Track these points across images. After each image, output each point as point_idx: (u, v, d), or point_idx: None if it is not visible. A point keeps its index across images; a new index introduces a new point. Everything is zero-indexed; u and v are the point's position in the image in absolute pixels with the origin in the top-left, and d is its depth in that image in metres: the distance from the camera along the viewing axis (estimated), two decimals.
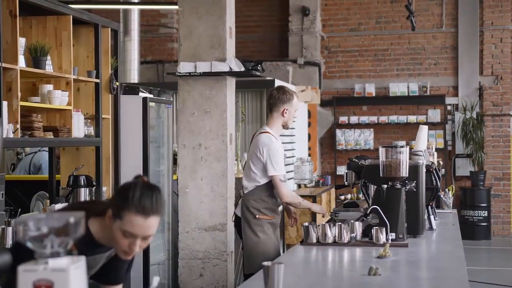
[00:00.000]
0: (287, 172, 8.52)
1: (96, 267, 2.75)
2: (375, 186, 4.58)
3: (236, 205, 5.27)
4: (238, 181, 7.28)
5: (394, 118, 12.64)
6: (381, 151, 4.45)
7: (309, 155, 12.02)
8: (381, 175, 4.44)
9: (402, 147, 4.45)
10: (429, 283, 3.27)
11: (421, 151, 5.12)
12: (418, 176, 4.60)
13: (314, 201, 9.00)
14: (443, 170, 12.37)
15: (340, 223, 4.29)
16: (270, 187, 5.04)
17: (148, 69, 13.14)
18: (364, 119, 12.75)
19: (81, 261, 1.83)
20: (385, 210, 4.31)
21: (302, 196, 8.69)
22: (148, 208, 2.47)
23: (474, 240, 11.97)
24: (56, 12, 5.08)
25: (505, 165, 12.52)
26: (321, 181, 10.63)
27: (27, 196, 6.03)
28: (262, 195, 5.04)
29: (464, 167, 12.47)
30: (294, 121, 5.32)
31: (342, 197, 11.70)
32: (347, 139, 12.81)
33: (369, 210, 4.41)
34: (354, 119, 12.78)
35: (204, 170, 5.69)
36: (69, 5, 5.19)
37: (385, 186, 4.41)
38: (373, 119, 12.70)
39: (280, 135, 5.25)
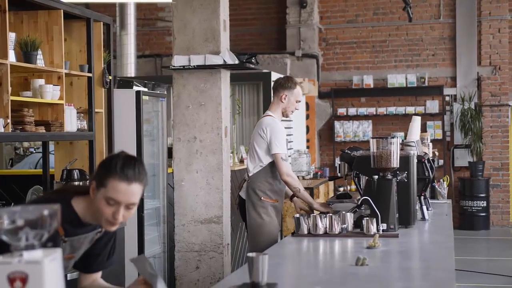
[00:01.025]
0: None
1: (79, 250, 2.77)
2: (367, 177, 4.59)
3: (240, 187, 5.37)
4: (234, 173, 7.30)
5: (392, 109, 12.64)
6: (372, 142, 4.46)
7: (308, 147, 12.04)
8: (372, 166, 4.45)
9: (392, 138, 4.45)
10: (414, 273, 3.28)
11: (413, 142, 5.13)
12: (409, 167, 4.60)
13: (312, 193, 9.03)
14: (441, 161, 12.39)
15: (331, 214, 4.31)
16: (274, 168, 5.16)
17: (146, 63, 13.15)
18: (363, 110, 12.75)
19: (57, 253, 1.84)
20: (376, 201, 4.32)
21: None
22: (131, 176, 2.55)
23: (473, 231, 12.00)
24: (47, 7, 5.08)
25: (504, 155, 12.52)
26: (319, 173, 10.64)
27: (24, 190, 6.05)
28: (267, 177, 5.17)
29: (462, 158, 12.47)
30: (293, 112, 5.39)
31: (341, 189, 11.70)
32: (345, 131, 12.81)
33: (360, 201, 4.42)
34: (352, 111, 12.78)
35: (199, 163, 5.69)
36: (61, 0, 5.19)
37: (376, 177, 4.42)
38: (372, 110, 12.70)
39: None
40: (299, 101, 5.32)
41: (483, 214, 12.15)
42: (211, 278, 5.75)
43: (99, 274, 2.96)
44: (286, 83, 5.28)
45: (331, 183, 10.86)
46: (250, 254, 2.78)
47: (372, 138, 4.50)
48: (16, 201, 6.01)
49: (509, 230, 12.35)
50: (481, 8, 12.53)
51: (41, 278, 1.77)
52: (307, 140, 12.21)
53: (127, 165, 2.57)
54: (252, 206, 5.21)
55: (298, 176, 10.09)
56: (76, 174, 5.35)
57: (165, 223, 6.71)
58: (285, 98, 5.25)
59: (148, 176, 2.69)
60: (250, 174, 5.24)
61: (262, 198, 5.17)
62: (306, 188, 8.97)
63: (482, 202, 12.12)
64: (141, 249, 6.17)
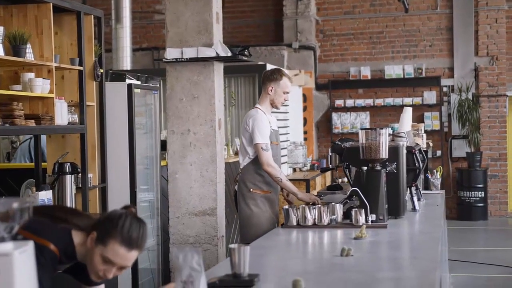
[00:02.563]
0: (281, 156, 8.58)
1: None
2: (356, 168, 4.60)
3: (235, 181, 5.43)
4: (228, 165, 7.31)
5: (390, 100, 12.63)
6: (361, 133, 4.47)
7: (305, 139, 12.04)
8: (361, 157, 4.46)
9: (381, 129, 4.46)
10: (398, 262, 3.29)
11: (403, 132, 5.13)
12: (398, 158, 4.61)
13: (308, 184, 9.04)
14: (439, 152, 12.40)
15: (318, 205, 4.32)
16: None
17: (143, 56, 13.15)
18: (360, 102, 12.75)
19: (28, 245, 1.85)
20: (365, 192, 4.34)
21: (295, 179, 8.77)
22: (134, 241, 2.55)
23: (471, 221, 12.01)
24: (36, 0, 5.08)
25: (502, 146, 12.51)
26: (316, 164, 10.65)
27: (19, 184, 6.06)
28: (257, 169, 5.20)
29: (460, 148, 12.46)
30: (284, 104, 5.43)
31: (339, 180, 11.70)
32: (343, 122, 12.81)
33: (349, 192, 4.43)
34: (350, 102, 12.78)
35: (193, 155, 5.70)
36: None
37: (365, 168, 4.43)
38: (369, 102, 12.70)
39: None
40: (287, 92, 5.32)
41: (481, 204, 12.16)
42: (205, 270, 5.77)
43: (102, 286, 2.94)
44: (272, 75, 5.30)
45: (328, 175, 10.87)
46: (231, 246, 2.79)
47: (361, 129, 4.51)
48: (11, 194, 6.03)
49: (507, 220, 12.36)
50: None
51: (11, 270, 1.78)
52: (305, 132, 12.21)
53: (133, 228, 2.56)
54: (242, 198, 5.25)
55: (295, 169, 10.14)
56: (67, 167, 5.36)
57: (159, 215, 6.73)
58: (271, 90, 5.27)
59: (147, 241, 2.67)
60: (241, 167, 5.30)
61: (251, 189, 5.20)
62: (302, 180, 9.05)
63: (480, 192, 12.12)
64: None
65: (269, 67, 9.98)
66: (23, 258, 1.82)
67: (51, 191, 5.19)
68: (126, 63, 10.67)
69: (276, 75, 5.30)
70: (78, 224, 2.67)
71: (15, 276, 1.79)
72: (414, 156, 5.04)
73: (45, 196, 5.08)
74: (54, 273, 2.62)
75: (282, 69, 5.58)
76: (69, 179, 5.36)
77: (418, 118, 12.22)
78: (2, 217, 1.81)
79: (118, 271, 2.60)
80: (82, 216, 2.74)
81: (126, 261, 2.57)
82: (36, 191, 5.21)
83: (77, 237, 2.65)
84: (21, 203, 1.82)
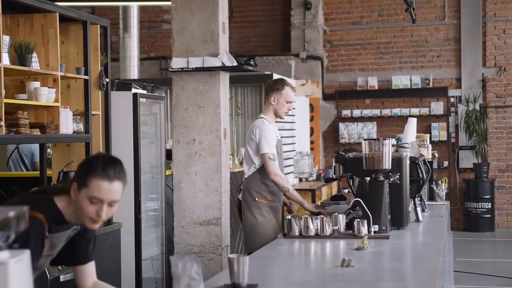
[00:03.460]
0: (286, 166, 8.60)
1: (57, 248, 2.82)
2: (359, 179, 4.59)
3: (239, 190, 5.46)
4: (233, 175, 7.32)
5: (397, 111, 12.62)
6: (364, 144, 4.47)
7: (312, 149, 12.04)
8: (364, 168, 4.46)
9: (385, 139, 4.46)
10: (398, 274, 3.29)
11: (407, 143, 5.13)
12: (401, 169, 4.60)
13: (314, 194, 9.03)
14: (446, 163, 12.36)
15: (322, 215, 4.32)
16: None
17: (151, 65, 13.20)
18: (367, 112, 12.74)
19: (24, 254, 1.86)
20: (368, 203, 4.33)
21: (301, 189, 8.77)
22: (112, 174, 2.66)
23: (478, 232, 11.96)
24: (43, 10, 5.12)
25: (509, 157, 12.47)
26: (322, 174, 10.64)
27: (23, 192, 6.08)
28: (262, 178, 5.24)
29: (467, 159, 12.43)
30: (288, 113, 5.44)
31: (346, 190, 11.68)
32: (350, 132, 12.80)
33: (351, 203, 4.43)
34: (357, 113, 12.77)
35: (198, 165, 5.71)
36: (56, 3, 5.23)
37: (368, 178, 4.43)
38: (376, 112, 12.69)
39: (281, 129, 5.45)
40: (290, 102, 5.35)
41: (488, 215, 12.11)
42: (208, 280, 5.77)
43: (95, 275, 3.01)
44: (274, 85, 5.35)
45: (334, 185, 10.85)
46: (230, 256, 2.80)
47: (365, 139, 4.51)
48: None
49: None
50: (486, 9, 12.49)
51: (6, 279, 1.78)
52: (312, 142, 12.21)
53: (107, 165, 2.67)
54: (247, 207, 5.28)
55: (301, 179, 10.13)
56: (72, 176, 5.38)
57: (163, 224, 6.74)
58: (274, 100, 5.32)
59: (127, 175, 2.76)
60: (245, 176, 5.33)
61: (256, 199, 5.23)
62: (308, 190, 9.04)
63: (487, 203, 12.08)
64: (138, 251, 6.19)
65: (276, 77, 9.99)
66: (18, 267, 1.83)
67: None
68: (133, 72, 10.72)
69: (278, 85, 5.34)
70: (60, 190, 2.78)
71: (10, 285, 1.79)
72: (418, 167, 5.03)
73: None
74: (43, 240, 2.68)
75: (285, 78, 5.60)
76: None
77: (425, 129, 12.21)
78: None
79: (109, 209, 2.68)
80: (62, 186, 2.86)
81: (112, 194, 2.65)
82: None
83: (60, 201, 2.74)
84: (17, 211, 1.83)
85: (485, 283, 8.25)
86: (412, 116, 12.25)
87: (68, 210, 2.74)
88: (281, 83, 5.37)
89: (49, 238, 2.73)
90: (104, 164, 2.67)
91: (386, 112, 12.65)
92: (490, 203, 12.09)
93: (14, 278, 1.80)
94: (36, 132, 4.89)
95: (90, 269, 3.00)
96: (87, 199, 2.65)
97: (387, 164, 4.42)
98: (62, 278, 4.36)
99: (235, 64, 5.68)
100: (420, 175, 5.04)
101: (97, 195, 2.64)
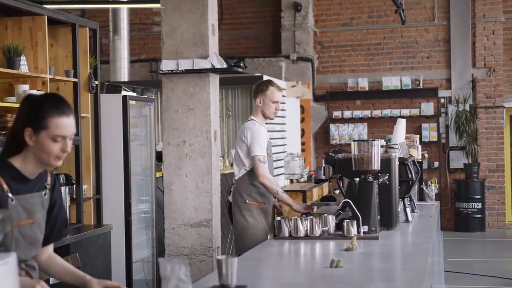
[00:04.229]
0: (276, 168, 8.61)
1: (34, 214, 2.79)
2: (348, 180, 4.61)
3: (229, 192, 5.49)
4: (224, 177, 7.32)
5: (387, 112, 12.66)
6: (353, 144, 4.48)
7: (303, 150, 12.06)
8: (353, 169, 4.47)
9: (373, 140, 4.47)
10: (386, 274, 3.30)
11: (397, 144, 5.15)
12: (390, 169, 4.62)
13: (304, 195, 9.04)
14: (436, 163, 12.40)
15: (311, 217, 4.33)
16: None
17: (142, 67, 13.18)
18: (358, 113, 12.77)
19: (10, 257, 1.86)
20: (357, 203, 4.34)
21: (292, 191, 8.78)
22: (67, 110, 2.72)
23: (468, 232, 12.01)
24: (31, 13, 5.11)
25: (499, 157, 12.52)
26: (313, 176, 10.66)
27: None
28: (253, 180, 5.26)
29: (458, 160, 12.47)
30: (276, 113, 5.47)
31: (337, 192, 11.69)
32: (341, 133, 12.83)
33: (341, 204, 4.44)
34: (347, 114, 12.80)
35: (188, 166, 5.71)
36: (45, 5, 5.22)
37: (357, 179, 4.44)
38: (367, 113, 12.72)
39: (271, 131, 5.45)
40: (276, 102, 5.38)
41: (479, 215, 12.16)
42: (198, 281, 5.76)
43: (52, 248, 3.00)
44: (258, 87, 5.42)
45: (325, 186, 10.86)
46: (219, 257, 2.80)
47: (354, 140, 4.52)
48: None
49: (504, 231, 12.35)
50: (475, 10, 12.55)
51: None
52: (303, 143, 12.23)
53: (59, 102, 2.72)
54: (237, 209, 5.31)
55: (292, 180, 10.15)
56: (62, 178, 5.37)
57: (154, 226, 6.73)
58: (260, 102, 5.38)
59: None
60: (236, 178, 5.36)
61: (247, 201, 5.27)
62: (298, 191, 9.06)
63: (478, 203, 12.12)
64: (128, 253, 6.19)
65: (266, 78, 10.01)
66: (4, 270, 1.83)
67: None
68: (123, 74, 10.71)
69: (262, 86, 5.40)
70: (10, 152, 2.74)
71: None
72: (407, 168, 5.05)
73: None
74: (5, 202, 2.65)
75: (272, 79, 5.63)
76: (63, 191, 5.37)
77: (416, 130, 12.25)
78: None
79: (70, 143, 2.74)
80: (5, 147, 2.80)
81: (71, 129, 2.72)
82: None
83: (16, 161, 2.73)
84: (3, 215, 1.83)
85: (475, 282, 8.28)
86: (402, 117, 12.32)
87: (26, 165, 2.73)
88: (265, 84, 5.42)
89: (17, 201, 2.71)
90: (55, 102, 2.70)
91: (377, 113, 12.69)
92: (480, 203, 12.13)
93: (0, 281, 1.80)
94: None
95: (51, 248, 2.99)
96: (50, 139, 2.67)
97: (376, 165, 4.44)
98: (51, 280, 4.34)
99: (224, 66, 5.69)
100: (410, 176, 5.05)
101: (60, 133, 2.67)
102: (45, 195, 2.84)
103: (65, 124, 2.68)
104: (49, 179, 2.88)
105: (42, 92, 2.77)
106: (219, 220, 5.94)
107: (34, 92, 5.00)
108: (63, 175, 5.39)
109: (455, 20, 12.58)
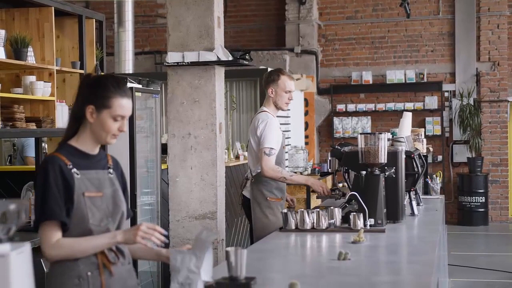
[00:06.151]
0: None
1: (104, 188, 2.88)
2: (355, 173, 4.61)
3: (242, 186, 5.34)
4: (229, 169, 7.32)
5: (391, 105, 12.65)
6: (360, 138, 4.48)
7: (307, 143, 12.06)
8: (360, 162, 4.47)
9: (380, 133, 4.47)
10: (394, 267, 3.30)
11: (403, 137, 5.15)
12: (397, 162, 4.62)
13: (308, 188, 9.02)
14: (440, 157, 12.40)
15: (318, 209, 4.33)
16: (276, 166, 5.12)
17: (146, 59, 13.18)
18: (362, 106, 12.77)
19: (25, 246, 1.87)
20: (364, 196, 4.34)
21: (295, 184, 8.75)
22: (127, 91, 2.86)
23: (471, 226, 12.02)
24: (38, 4, 5.12)
25: (503, 151, 12.52)
26: (317, 169, 10.65)
27: (20, 186, 6.08)
28: None
29: (461, 154, 12.47)
30: (289, 103, 5.35)
31: (340, 185, 11.68)
32: (344, 127, 12.82)
33: (347, 196, 4.45)
34: (351, 107, 12.80)
35: (193, 159, 5.71)
36: None
37: (364, 172, 4.44)
38: (371, 106, 12.72)
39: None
40: (289, 91, 5.25)
41: (482, 209, 12.16)
42: None
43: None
44: (269, 77, 5.28)
45: (329, 179, 10.86)
46: (228, 249, 2.81)
47: (360, 133, 4.52)
48: (12, 196, 6.04)
49: (507, 225, 12.36)
50: (480, 4, 12.52)
51: (7, 271, 1.79)
52: (306, 136, 12.23)
53: (120, 83, 2.85)
54: (258, 207, 5.16)
55: (296, 173, 10.14)
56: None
57: (159, 218, 6.74)
58: (272, 92, 5.24)
59: None
60: (253, 174, 5.19)
61: (268, 198, 5.13)
62: (303, 184, 9.02)
63: (481, 197, 12.13)
64: None
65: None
66: (20, 259, 1.83)
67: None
68: (128, 66, 10.70)
69: (274, 75, 5.27)
70: (67, 136, 2.86)
71: (12, 277, 1.80)
72: (414, 161, 5.05)
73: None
74: (66, 174, 2.76)
75: (282, 68, 5.52)
76: None
77: (420, 123, 12.24)
78: None
79: (126, 123, 2.88)
80: (66, 132, 2.91)
81: (130, 110, 2.86)
82: None
83: (75, 142, 2.85)
84: (18, 204, 1.84)
85: (479, 276, 8.29)
86: (407, 110, 12.33)
87: (82, 142, 2.84)
88: (277, 73, 5.29)
89: (82, 175, 2.81)
90: (118, 83, 2.83)
91: (381, 106, 12.68)
92: (484, 197, 12.14)
93: (16, 270, 1.81)
94: (32, 126, 4.89)
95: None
96: (111, 118, 2.79)
97: (383, 158, 4.44)
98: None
99: (230, 58, 5.68)
100: (416, 169, 5.06)
101: (122, 113, 2.80)
102: (110, 174, 2.94)
103: (126, 105, 2.82)
104: (110, 160, 2.98)
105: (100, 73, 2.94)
106: (224, 213, 5.94)
107: (41, 83, 5.01)
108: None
109: (459, 13, 12.56)
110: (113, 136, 2.85)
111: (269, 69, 9.88)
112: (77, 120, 2.84)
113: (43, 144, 6.05)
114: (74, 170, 2.79)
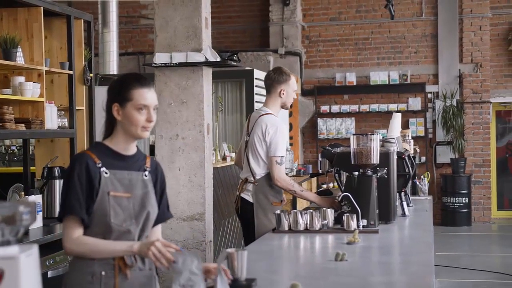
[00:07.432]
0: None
1: (133, 189, 2.88)
2: (347, 174, 4.61)
3: (240, 189, 5.07)
4: (217, 171, 7.30)
5: (375, 106, 12.70)
6: (352, 138, 4.49)
7: (291, 144, 12.07)
8: (352, 163, 4.48)
9: (372, 134, 4.48)
10: (393, 267, 3.31)
11: (394, 138, 5.16)
12: (389, 163, 4.63)
13: None
14: (423, 158, 12.47)
15: (311, 210, 4.33)
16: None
17: (129, 60, 13.13)
18: (345, 108, 12.80)
19: (33, 249, 1.84)
20: (356, 197, 4.35)
21: None
22: (147, 82, 2.89)
23: (455, 227, 12.09)
24: (27, 4, 5.07)
25: (485, 152, 12.61)
26: (302, 170, 10.68)
27: (6, 188, 6.02)
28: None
29: (444, 155, 12.55)
30: (291, 102, 5.18)
31: (325, 186, 11.75)
32: (328, 128, 12.85)
33: (340, 197, 4.45)
34: (335, 108, 12.83)
35: (181, 160, 5.70)
36: None
37: (356, 173, 4.45)
38: (354, 108, 12.75)
39: None
40: (295, 90, 5.11)
41: (465, 210, 12.25)
42: None
43: (159, 232, 3.08)
44: (281, 77, 5.00)
45: (314, 180, 10.90)
46: (229, 250, 2.79)
47: (353, 134, 4.53)
48: None
49: (490, 226, 12.45)
50: (462, 6, 12.61)
51: (17, 273, 1.77)
52: (291, 138, 12.25)
53: (138, 77, 2.90)
54: (262, 211, 4.97)
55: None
56: (57, 171, 5.32)
57: None
58: (283, 93, 5.00)
59: None
60: (257, 177, 4.96)
61: (272, 203, 4.97)
62: None
63: (464, 198, 12.21)
64: None
65: (257, 72, 10.00)
66: (28, 261, 1.81)
67: (40, 195, 5.14)
68: (113, 67, 10.64)
69: (285, 76, 5.01)
70: (103, 137, 2.94)
71: (21, 279, 1.78)
72: (404, 162, 5.07)
73: (35, 201, 5.03)
74: (92, 172, 2.80)
75: (282, 67, 5.22)
76: (58, 184, 5.32)
77: (403, 124, 12.29)
78: (7, 220, 1.80)
79: (154, 114, 2.87)
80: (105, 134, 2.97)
81: (154, 99, 2.88)
82: (25, 195, 5.16)
83: (109, 142, 2.89)
84: (27, 206, 1.81)
85: (464, 276, 8.34)
86: (391, 112, 12.36)
87: (116, 141, 2.88)
88: (286, 73, 5.03)
89: (111, 175, 2.83)
90: (136, 77, 2.88)
91: (365, 107, 12.72)
92: (467, 198, 12.22)
93: (25, 272, 1.79)
94: (22, 127, 4.84)
95: (158, 229, 3.07)
96: (135, 110, 2.82)
97: (375, 159, 4.45)
98: (50, 274, 4.32)
99: (218, 59, 5.68)
100: (407, 170, 5.08)
101: (144, 102, 2.82)
102: (145, 176, 2.92)
103: (147, 94, 2.84)
104: (148, 162, 2.98)
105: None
106: (212, 214, 5.93)
107: (30, 84, 4.97)
108: (57, 168, 5.34)
109: (442, 15, 12.64)
110: (143, 128, 2.86)
111: (255, 71, 9.90)
112: (110, 123, 2.89)
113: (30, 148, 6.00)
114: (104, 169, 2.82)
